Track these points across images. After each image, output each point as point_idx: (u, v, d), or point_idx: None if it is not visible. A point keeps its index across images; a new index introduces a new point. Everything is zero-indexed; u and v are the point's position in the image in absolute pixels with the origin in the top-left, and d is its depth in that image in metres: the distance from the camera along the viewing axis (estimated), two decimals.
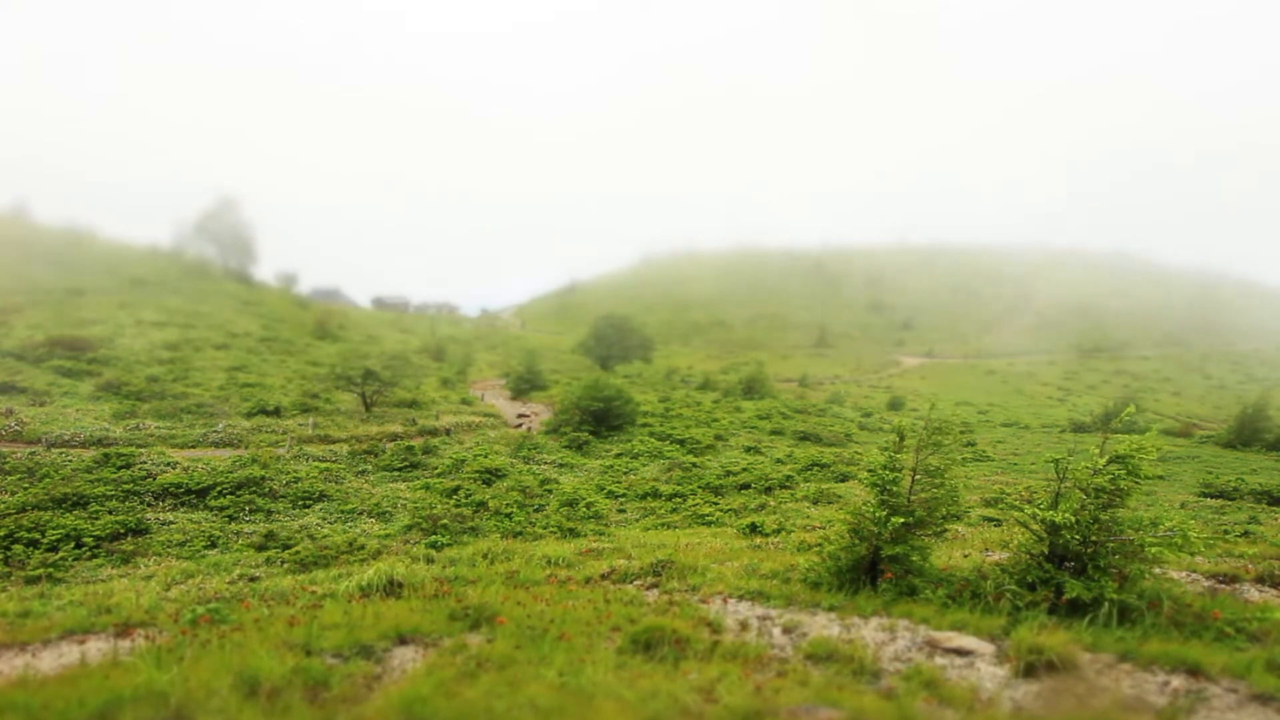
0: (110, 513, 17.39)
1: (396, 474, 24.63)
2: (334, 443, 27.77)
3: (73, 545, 15.33)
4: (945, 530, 7.27)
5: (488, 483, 23.81)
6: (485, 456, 26.98)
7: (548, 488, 23.55)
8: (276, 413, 31.79)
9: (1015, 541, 7.04)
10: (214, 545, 16.27)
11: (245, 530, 17.37)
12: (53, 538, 15.34)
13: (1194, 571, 7.35)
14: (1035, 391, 74.92)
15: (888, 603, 6.31)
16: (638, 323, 71.67)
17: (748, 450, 32.56)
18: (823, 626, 5.96)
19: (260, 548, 15.66)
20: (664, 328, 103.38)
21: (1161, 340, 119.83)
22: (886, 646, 5.45)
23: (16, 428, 23.90)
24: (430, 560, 11.10)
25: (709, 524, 18.59)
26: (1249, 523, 17.34)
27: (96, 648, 6.11)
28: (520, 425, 37.98)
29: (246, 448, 24.79)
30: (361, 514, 19.82)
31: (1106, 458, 6.14)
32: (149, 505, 18.75)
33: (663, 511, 21.32)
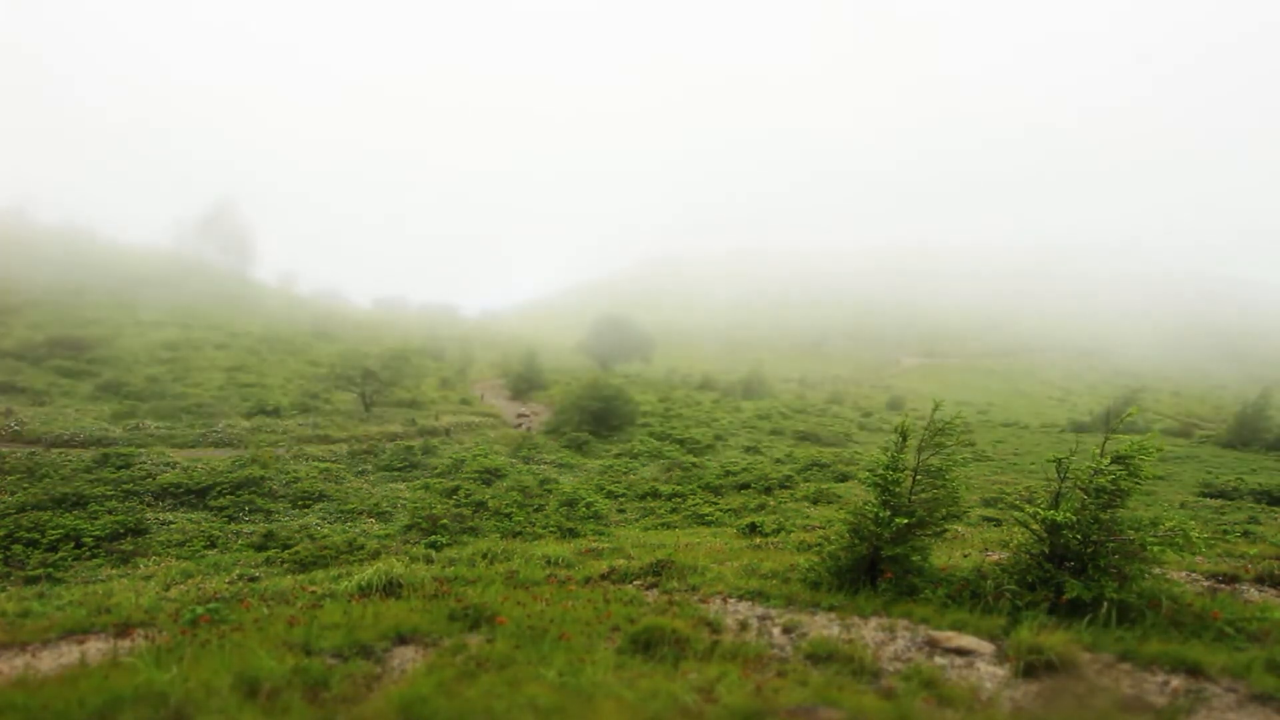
0: (110, 513, 17.36)
1: (396, 474, 24.61)
2: (333, 443, 27.77)
3: (72, 545, 15.30)
4: (945, 530, 7.27)
5: (487, 483, 23.81)
6: (485, 456, 26.96)
7: (547, 488, 23.52)
8: (276, 413, 31.80)
9: (1015, 541, 7.03)
10: (213, 545, 16.25)
11: (245, 530, 17.34)
12: (52, 538, 15.32)
13: (1194, 571, 7.33)
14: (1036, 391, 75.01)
15: (887, 602, 6.30)
16: (637, 322, 71.76)
17: (747, 450, 32.56)
18: (822, 626, 5.95)
19: (260, 548, 15.64)
20: (664, 327, 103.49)
21: (1162, 339, 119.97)
22: (886, 646, 5.45)
23: (16, 428, 23.89)
24: (430, 560, 11.11)
25: (708, 524, 18.59)
26: (1249, 523, 17.34)
27: (96, 648, 6.11)
28: (520, 425, 37.97)
29: (246, 448, 24.78)
30: (361, 514, 19.80)
31: (1108, 458, 6.13)
32: (148, 505, 18.72)
33: (662, 511, 21.30)
